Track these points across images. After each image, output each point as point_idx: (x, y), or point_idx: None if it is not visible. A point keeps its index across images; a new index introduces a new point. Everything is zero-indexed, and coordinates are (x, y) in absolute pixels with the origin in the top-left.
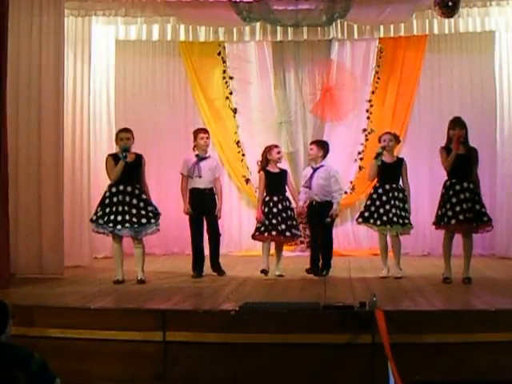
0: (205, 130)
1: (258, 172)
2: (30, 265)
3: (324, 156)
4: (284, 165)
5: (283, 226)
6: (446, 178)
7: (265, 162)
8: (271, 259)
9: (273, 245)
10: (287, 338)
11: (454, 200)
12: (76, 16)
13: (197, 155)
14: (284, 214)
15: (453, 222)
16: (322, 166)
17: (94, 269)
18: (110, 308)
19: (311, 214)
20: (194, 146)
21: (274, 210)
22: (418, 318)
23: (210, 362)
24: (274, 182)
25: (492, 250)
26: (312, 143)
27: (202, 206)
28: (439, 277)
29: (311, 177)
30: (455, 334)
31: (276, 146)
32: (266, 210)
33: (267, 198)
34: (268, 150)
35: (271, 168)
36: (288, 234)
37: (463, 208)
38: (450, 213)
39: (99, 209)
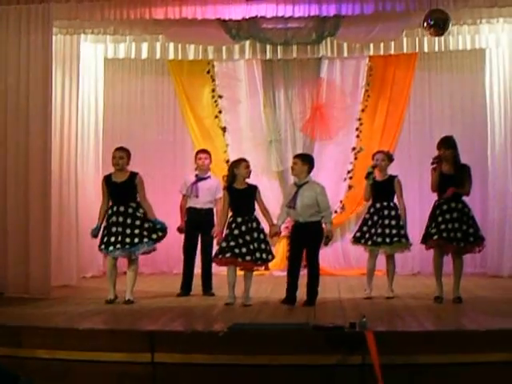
0: (203, 151)
1: (223, 189)
2: (18, 284)
3: (309, 171)
4: (274, 183)
5: (244, 250)
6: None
7: (231, 177)
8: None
9: None
10: (277, 360)
11: (439, 219)
12: (64, 34)
13: (196, 175)
14: (248, 237)
15: (435, 237)
16: (306, 182)
17: (81, 288)
18: (98, 329)
19: (294, 236)
20: (196, 167)
21: (236, 231)
22: (408, 339)
23: None
24: (240, 200)
25: (483, 268)
26: (295, 157)
27: (198, 226)
28: (429, 296)
29: (295, 195)
30: (445, 354)
31: (244, 161)
32: (228, 231)
33: (231, 219)
34: (235, 164)
35: (238, 185)
36: (248, 258)
37: (448, 227)
38: (433, 230)
39: (101, 232)
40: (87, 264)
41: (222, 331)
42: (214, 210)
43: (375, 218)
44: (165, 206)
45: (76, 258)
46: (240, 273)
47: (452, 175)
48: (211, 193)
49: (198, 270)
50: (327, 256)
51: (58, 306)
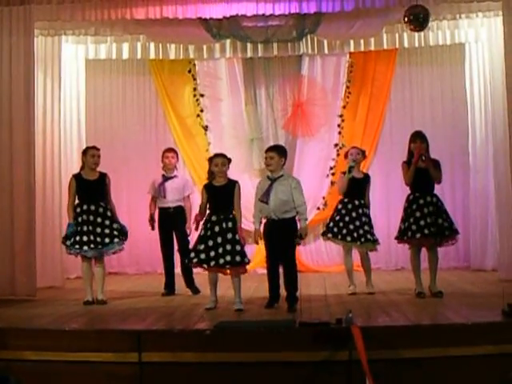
0: (170, 150)
1: (203, 187)
2: (3, 286)
3: (284, 164)
4: (256, 181)
5: (212, 254)
6: (409, 191)
7: (209, 174)
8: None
9: None
10: (263, 357)
11: (418, 214)
12: (46, 36)
13: (163, 175)
14: (219, 239)
15: (418, 235)
16: (280, 176)
17: (66, 289)
18: (85, 329)
19: (267, 235)
20: (163, 166)
21: (208, 232)
22: (395, 334)
23: (187, 382)
24: (217, 198)
25: (467, 262)
26: (271, 150)
27: (169, 225)
28: (414, 291)
29: (269, 189)
30: (432, 348)
31: (217, 156)
32: (202, 231)
33: (207, 217)
34: (209, 160)
35: (216, 181)
36: (213, 263)
37: (427, 222)
38: (414, 227)
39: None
40: (71, 265)
41: (208, 329)
42: (185, 208)
43: (354, 214)
44: (146, 206)
45: (60, 259)
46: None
47: (425, 169)
48: (179, 191)
49: (179, 268)
50: (311, 253)
51: (44, 307)
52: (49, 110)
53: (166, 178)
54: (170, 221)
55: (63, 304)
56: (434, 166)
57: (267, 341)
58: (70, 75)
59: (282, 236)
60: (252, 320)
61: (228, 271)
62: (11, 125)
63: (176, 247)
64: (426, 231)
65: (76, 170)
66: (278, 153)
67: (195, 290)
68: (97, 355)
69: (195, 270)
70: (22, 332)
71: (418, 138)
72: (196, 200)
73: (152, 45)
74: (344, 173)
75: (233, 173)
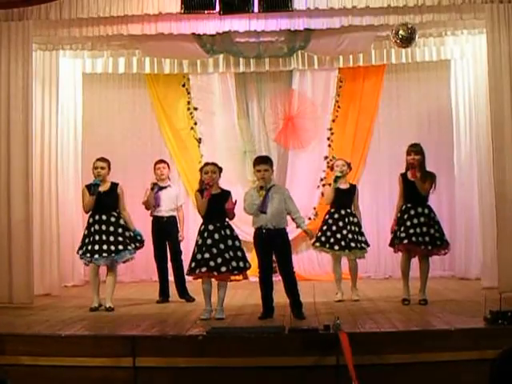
0: (161, 161)
1: (196, 191)
2: (1, 294)
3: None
4: None
5: (219, 260)
6: (402, 202)
7: (201, 183)
8: None
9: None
10: (254, 362)
11: (408, 223)
12: (44, 50)
13: (155, 184)
14: (222, 245)
15: (405, 241)
16: (272, 185)
17: (63, 297)
18: (81, 335)
19: (261, 245)
20: (156, 177)
21: (209, 241)
22: (381, 339)
23: None
24: (210, 206)
25: (452, 271)
26: (263, 163)
27: (163, 233)
28: (400, 299)
29: (266, 199)
30: (416, 353)
31: (207, 165)
32: (200, 240)
33: (202, 227)
34: (201, 168)
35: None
36: (224, 269)
37: (417, 232)
38: (403, 234)
39: (81, 240)
40: (68, 273)
41: (200, 335)
42: (177, 218)
43: (340, 224)
44: (143, 216)
45: (57, 267)
46: (214, 281)
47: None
48: (172, 201)
49: (172, 276)
50: (303, 262)
51: (41, 314)
52: (46, 123)
53: (159, 188)
54: (164, 230)
55: (60, 311)
56: (424, 178)
57: (258, 346)
58: (67, 89)
59: (280, 245)
60: (243, 326)
61: (237, 277)
62: (9, 137)
63: (169, 256)
64: (414, 239)
65: (72, 180)
66: (271, 165)
67: (189, 299)
68: (92, 360)
69: (187, 279)
70: (18, 338)
71: (413, 150)
72: (190, 210)
73: (147, 59)
74: (330, 184)
75: (226, 185)
